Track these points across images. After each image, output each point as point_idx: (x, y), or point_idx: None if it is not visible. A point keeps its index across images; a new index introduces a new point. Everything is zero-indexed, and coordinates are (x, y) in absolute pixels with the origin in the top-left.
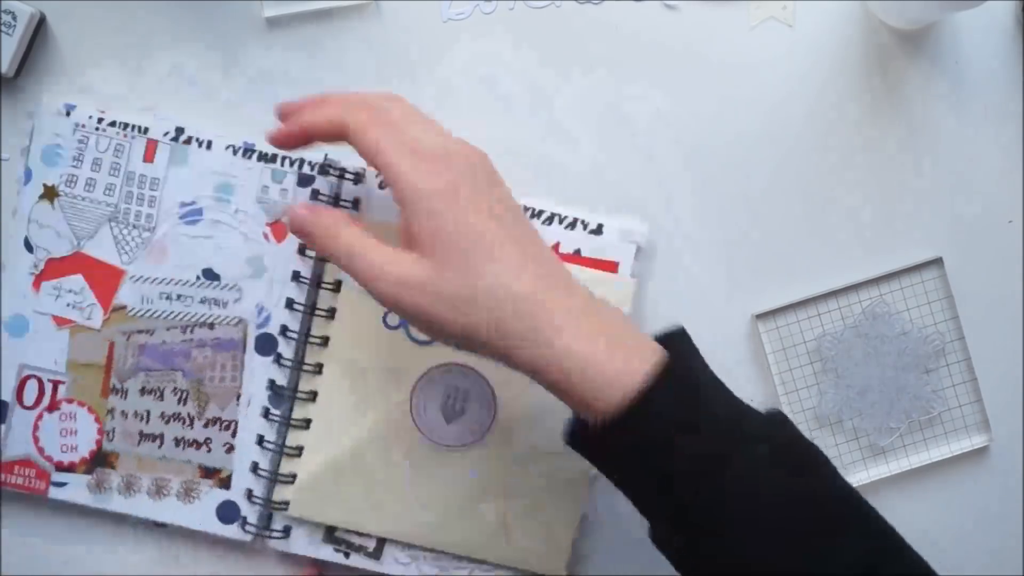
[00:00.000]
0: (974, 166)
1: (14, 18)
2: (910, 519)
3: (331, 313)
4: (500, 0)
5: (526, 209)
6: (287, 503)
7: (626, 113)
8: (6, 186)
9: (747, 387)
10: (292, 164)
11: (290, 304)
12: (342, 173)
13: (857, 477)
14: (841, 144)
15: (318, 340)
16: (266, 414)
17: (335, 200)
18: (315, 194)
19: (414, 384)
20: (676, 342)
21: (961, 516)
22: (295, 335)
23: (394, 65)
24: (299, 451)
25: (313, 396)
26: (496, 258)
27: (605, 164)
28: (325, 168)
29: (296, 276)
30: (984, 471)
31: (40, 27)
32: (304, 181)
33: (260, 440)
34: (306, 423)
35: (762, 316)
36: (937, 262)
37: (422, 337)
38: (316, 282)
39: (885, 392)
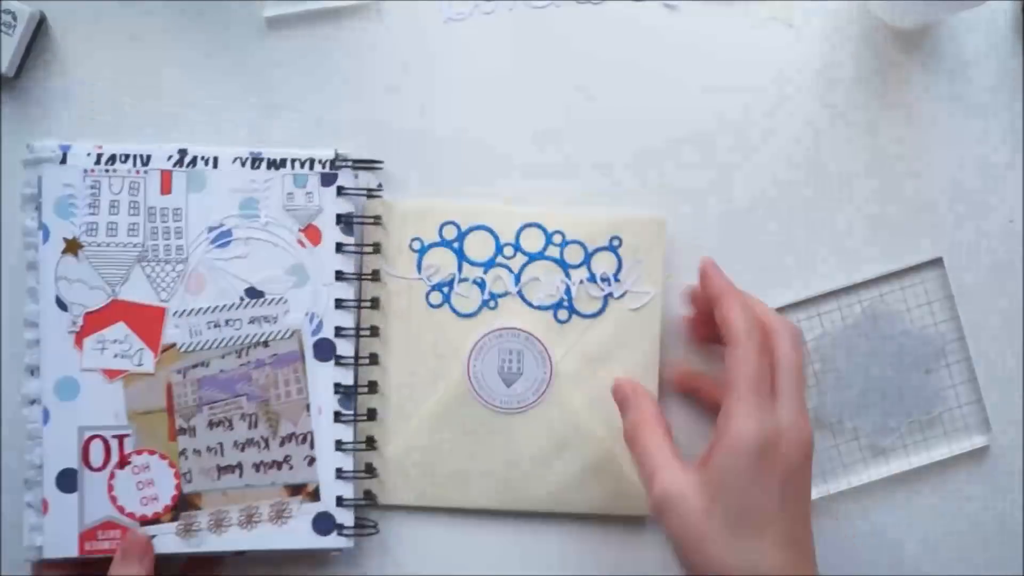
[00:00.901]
0: (974, 166)
1: (14, 18)
2: (910, 519)
3: (375, 303)
4: (500, 0)
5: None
6: (374, 496)
7: (626, 113)
8: (6, 201)
9: None
10: (312, 167)
11: (339, 304)
12: (355, 164)
13: (857, 477)
14: (840, 144)
15: (367, 331)
16: (338, 417)
17: (367, 192)
18: (340, 191)
19: (468, 354)
20: None
21: (961, 516)
22: (351, 332)
23: (394, 65)
24: (371, 443)
25: (372, 387)
26: (783, 550)
27: (604, 163)
28: (338, 163)
29: (340, 275)
30: (984, 471)
31: (40, 27)
32: (327, 180)
33: (339, 445)
34: (371, 414)
35: None
36: (937, 262)
37: (467, 310)
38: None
39: (885, 392)
